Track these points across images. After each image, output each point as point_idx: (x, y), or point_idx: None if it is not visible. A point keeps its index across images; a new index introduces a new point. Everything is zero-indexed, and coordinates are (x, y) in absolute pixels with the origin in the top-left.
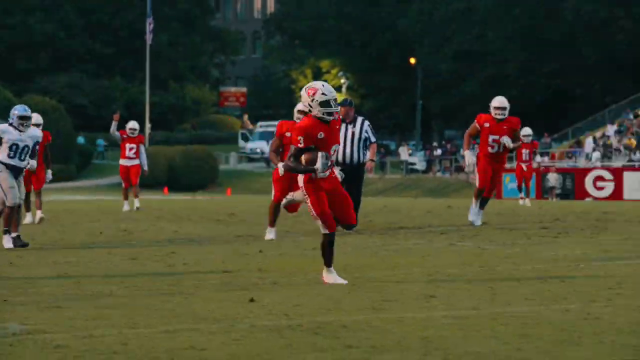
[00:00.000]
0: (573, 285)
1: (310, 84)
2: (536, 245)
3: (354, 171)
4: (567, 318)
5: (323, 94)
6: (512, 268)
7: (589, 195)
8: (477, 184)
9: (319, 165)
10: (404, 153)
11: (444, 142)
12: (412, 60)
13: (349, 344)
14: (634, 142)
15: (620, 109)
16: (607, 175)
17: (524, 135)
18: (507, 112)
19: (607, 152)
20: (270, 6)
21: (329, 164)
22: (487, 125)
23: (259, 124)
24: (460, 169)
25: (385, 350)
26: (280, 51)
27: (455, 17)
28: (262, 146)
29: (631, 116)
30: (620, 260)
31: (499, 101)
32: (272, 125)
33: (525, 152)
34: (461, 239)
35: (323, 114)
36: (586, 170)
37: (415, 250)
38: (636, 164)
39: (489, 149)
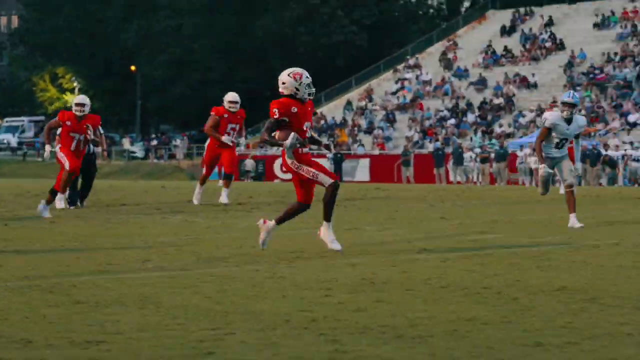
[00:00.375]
0: (262, 249)
1: (291, 70)
2: (233, 219)
3: (89, 159)
4: (257, 277)
5: (307, 77)
6: (213, 236)
7: (277, 177)
8: (203, 172)
9: (287, 142)
10: (126, 143)
11: (159, 134)
12: (133, 68)
13: (77, 300)
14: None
15: None
16: None
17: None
18: (238, 106)
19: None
20: (14, 22)
21: (297, 145)
22: (225, 116)
23: (5, 119)
24: (172, 157)
25: (108, 305)
26: (24, 60)
27: (168, 32)
28: (8, 138)
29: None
30: (301, 229)
31: (232, 96)
32: (16, 121)
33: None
34: (172, 213)
35: (308, 94)
36: (274, 157)
37: (134, 223)
38: (315, 152)
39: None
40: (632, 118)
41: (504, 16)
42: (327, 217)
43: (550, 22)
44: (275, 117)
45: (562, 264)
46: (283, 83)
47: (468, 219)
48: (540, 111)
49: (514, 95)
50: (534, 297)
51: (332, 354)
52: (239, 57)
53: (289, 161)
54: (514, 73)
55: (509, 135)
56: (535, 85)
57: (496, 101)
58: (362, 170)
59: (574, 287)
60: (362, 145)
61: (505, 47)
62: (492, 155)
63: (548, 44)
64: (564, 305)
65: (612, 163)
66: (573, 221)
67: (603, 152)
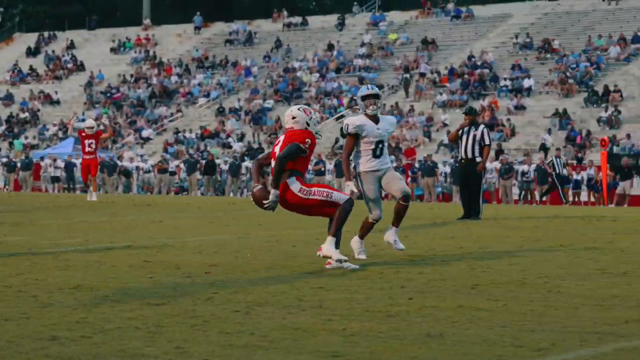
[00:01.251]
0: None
1: (300, 106)
2: None
3: None
4: None
5: (315, 113)
6: None
7: None
8: None
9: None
10: None
11: None
12: None
13: None
14: None
15: None
16: None
17: None
18: None
19: None
20: None
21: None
22: None
23: None
24: None
25: None
26: None
27: None
28: None
29: None
30: None
31: None
32: None
33: None
34: None
35: (317, 132)
36: None
37: None
38: None
39: None
40: (145, 133)
41: (30, 39)
42: (335, 233)
43: (72, 46)
44: (305, 146)
45: (79, 264)
46: (294, 117)
47: None
48: (62, 125)
49: (38, 110)
50: (52, 295)
51: None
52: None
53: (295, 190)
54: (39, 90)
55: (34, 147)
56: (58, 102)
57: (22, 115)
58: None
59: (88, 285)
60: None
61: (31, 66)
62: (19, 164)
63: (70, 65)
64: (79, 302)
65: (127, 173)
66: (392, 235)
67: (119, 163)
